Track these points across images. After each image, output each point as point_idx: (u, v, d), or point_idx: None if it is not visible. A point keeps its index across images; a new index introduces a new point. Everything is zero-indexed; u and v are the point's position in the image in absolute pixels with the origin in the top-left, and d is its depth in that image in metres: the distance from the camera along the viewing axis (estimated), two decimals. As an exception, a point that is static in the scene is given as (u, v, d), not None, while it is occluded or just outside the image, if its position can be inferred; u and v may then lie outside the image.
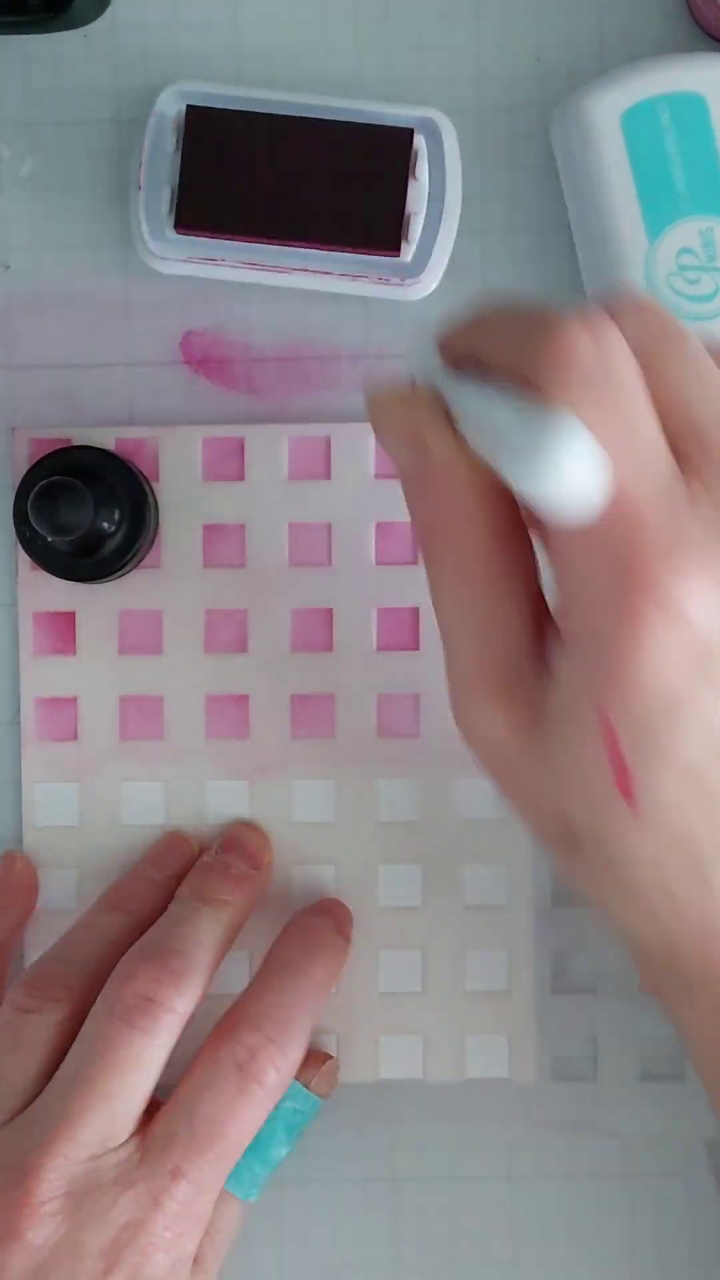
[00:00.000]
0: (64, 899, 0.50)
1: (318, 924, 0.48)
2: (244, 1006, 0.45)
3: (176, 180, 0.47)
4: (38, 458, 0.48)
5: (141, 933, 0.46)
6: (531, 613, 0.37)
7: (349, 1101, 0.49)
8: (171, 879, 0.48)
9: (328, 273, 0.48)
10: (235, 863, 0.47)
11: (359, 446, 0.49)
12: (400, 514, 0.49)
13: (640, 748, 0.34)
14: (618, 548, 0.33)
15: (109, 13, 0.49)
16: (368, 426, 0.49)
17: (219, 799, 0.50)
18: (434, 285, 0.48)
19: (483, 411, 0.34)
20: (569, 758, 0.36)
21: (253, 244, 0.47)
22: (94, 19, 0.48)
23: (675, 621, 0.33)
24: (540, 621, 0.37)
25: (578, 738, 0.35)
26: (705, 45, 0.49)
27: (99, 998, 0.44)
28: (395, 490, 0.49)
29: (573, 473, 0.32)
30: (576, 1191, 0.50)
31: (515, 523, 0.37)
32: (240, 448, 0.49)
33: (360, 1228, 0.50)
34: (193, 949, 0.44)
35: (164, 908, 0.47)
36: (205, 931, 0.45)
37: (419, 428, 0.36)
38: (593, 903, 0.39)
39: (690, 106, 0.46)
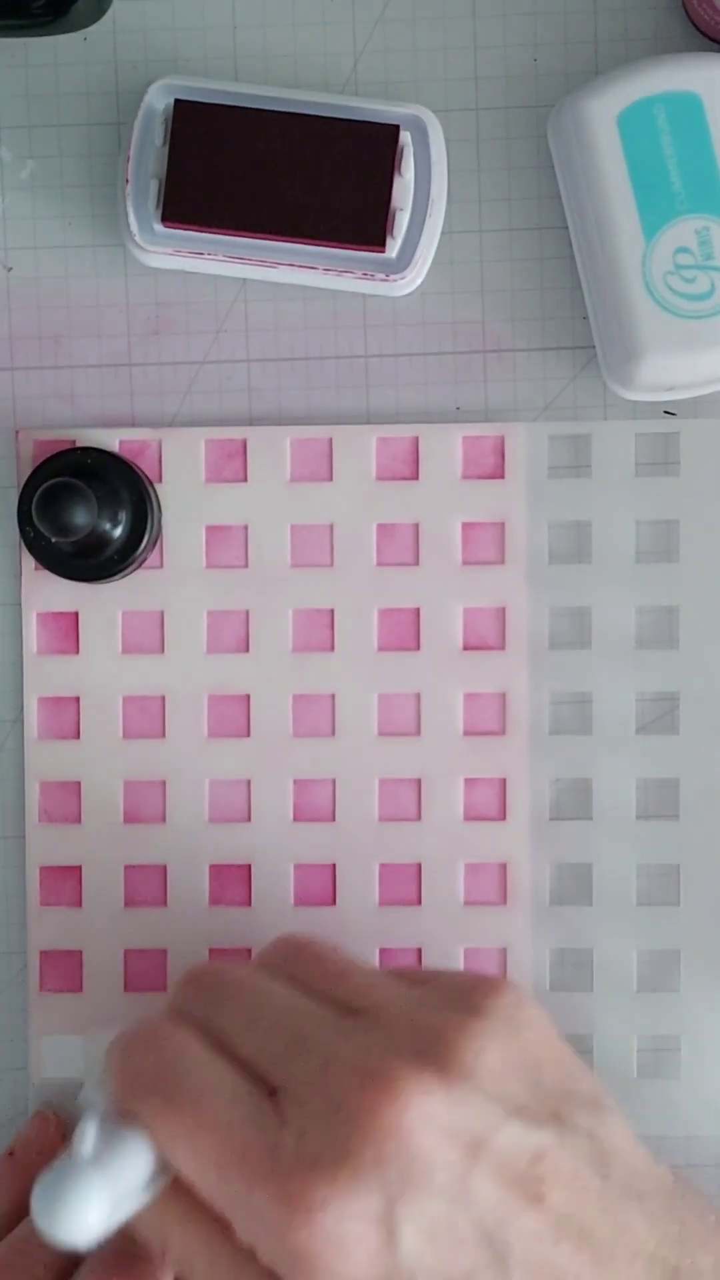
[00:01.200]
0: (69, 897, 0.50)
1: None
2: None
3: (164, 174, 0.47)
4: (41, 459, 0.49)
5: None
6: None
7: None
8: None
9: (313, 268, 0.48)
10: None
11: (361, 448, 0.49)
12: (401, 515, 0.50)
13: None
14: (250, 1200, 0.37)
15: (109, 15, 0.49)
16: (369, 429, 0.49)
17: (219, 798, 0.50)
18: (419, 281, 0.48)
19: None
20: None
21: (239, 238, 0.47)
22: (94, 22, 0.48)
23: (333, 1237, 0.36)
24: None
25: None
26: (701, 45, 0.49)
27: None
28: (396, 492, 0.49)
29: (69, 1221, 0.38)
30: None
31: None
32: (242, 449, 0.50)
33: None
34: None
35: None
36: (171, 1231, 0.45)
37: None
38: None
39: (686, 106, 0.46)
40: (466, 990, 0.41)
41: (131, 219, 0.48)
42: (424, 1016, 0.40)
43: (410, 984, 0.42)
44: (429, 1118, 0.37)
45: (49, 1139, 0.49)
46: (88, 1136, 0.38)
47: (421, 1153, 0.37)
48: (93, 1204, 0.38)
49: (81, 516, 0.45)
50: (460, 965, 0.50)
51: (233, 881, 0.50)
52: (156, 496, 0.49)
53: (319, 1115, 0.38)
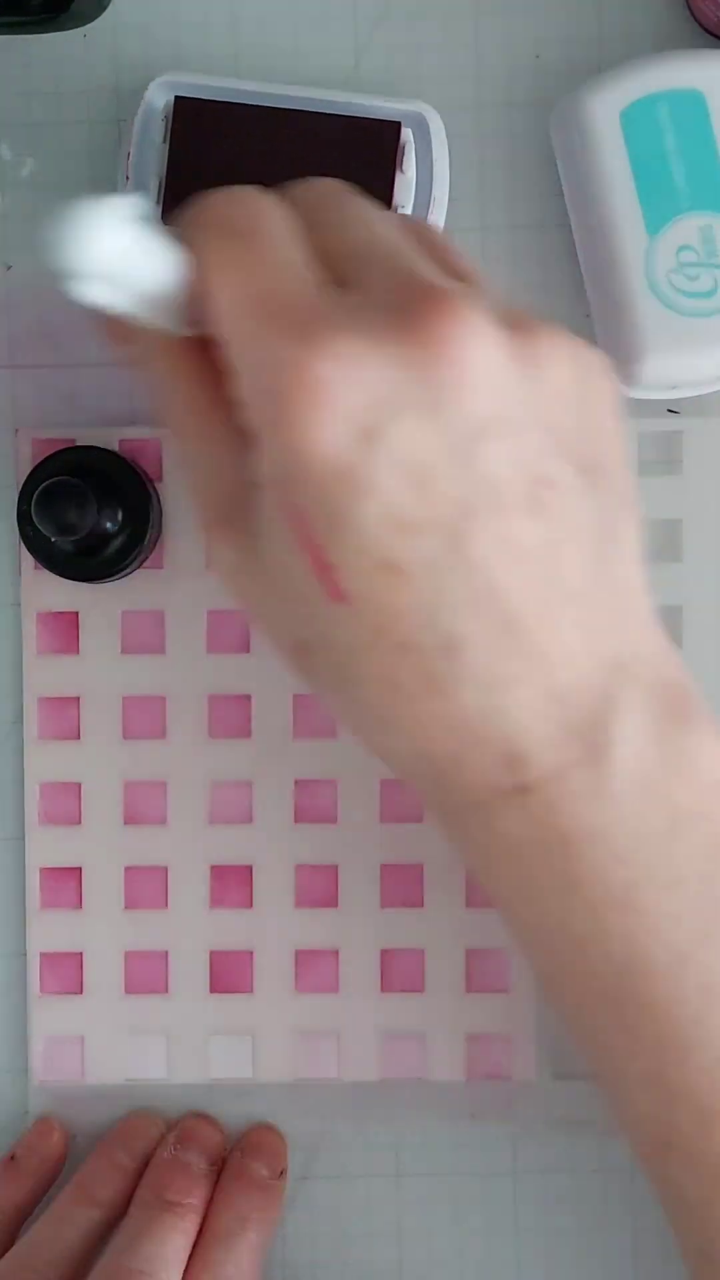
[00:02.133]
0: (69, 899, 0.50)
1: (250, 1172, 0.48)
2: None
3: (164, 172, 0.47)
4: (41, 458, 0.48)
5: (111, 1226, 0.46)
6: (244, 444, 0.38)
7: (351, 1099, 0.50)
8: (139, 1164, 0.48)
9: (314, 265, 0.48)
10: (195, 1160, 0.47)
11: (360, 446, 0.49)
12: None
13: (330, 534, 0.35)
14: (263, 332, 0.35)
15: (109, 13, 0.49)
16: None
17: (220, 799, 0.50)
18: (422, 279, 0.48)
19: None
20: (280, 567, 0.37)
21: (241, 236, 0.47)
22: (94, 19, 0.48)
23: (325, 399, 0.34)
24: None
25: (282, 544, 0.36)
26: (704, 42, 0.49)
27: None
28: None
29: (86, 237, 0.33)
30: (579, 1187, 0.50)
31: (210, 372, 0.38)
32: (242, 448, 0.49)
33: (363, 1224, 0.50)
34: (159, 1269, 0.44)
35: (131, 1197, 0.47)
36: (168, 1243, 0.45)
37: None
38: (351, 731, 0.39)
39: (690, 103, 0.46)
40: (562, 329, 0.38)
41: (131, 216, 0.47)
42: (520, 311, 0.37)
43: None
44: (482, 365, 0.35)
45: (52, 1146, 0.49)
46: (129, 199, 0.35)
47: (456, 384, 0.34)
48: (109, 230, 0.34)
49: (81, 516, 0.44)
50: (463, 969, 0.49)
51: (234, 883, 0.50)
52: (157, 495, 0.49)
53: (377, 305, 0.35)
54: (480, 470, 0.35)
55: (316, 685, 0.39)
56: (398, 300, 0.35)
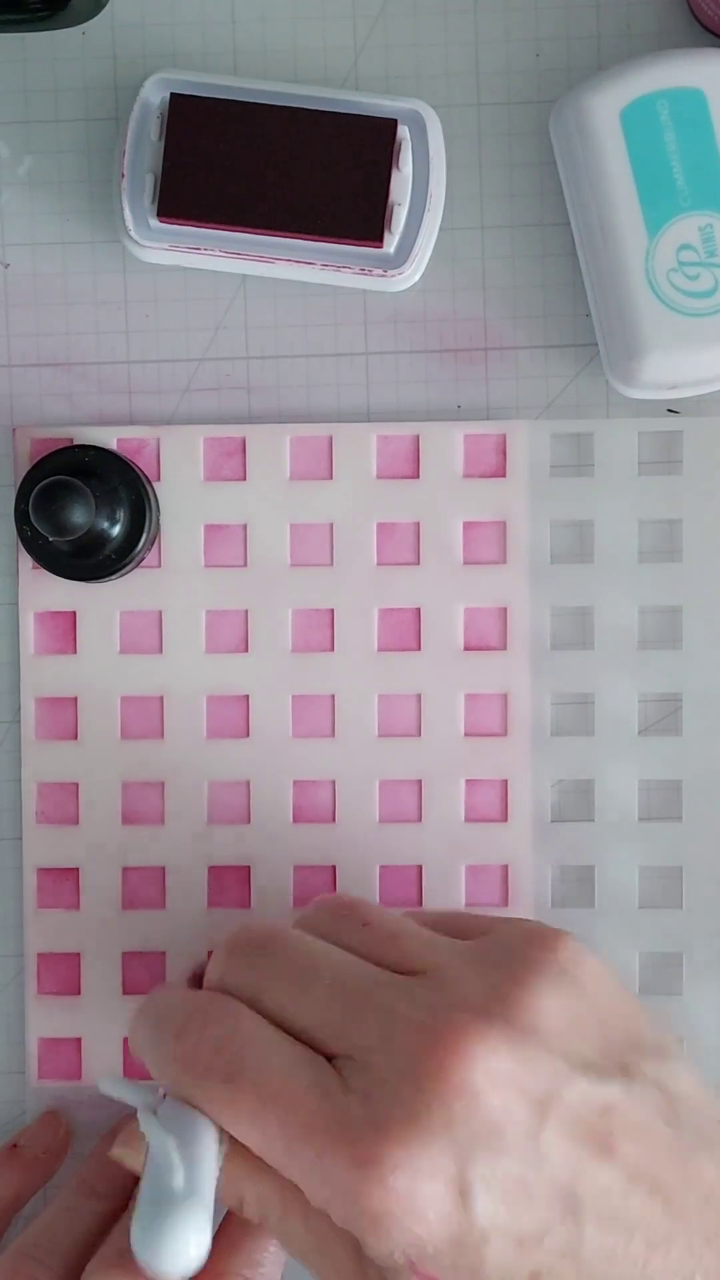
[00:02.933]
0: (66, 899, 0.50)
1: None
2: (214, 1265, 0.45)
3: (160, 169, 0.47)
4: (39, 457, 0.48)
5: (114, 1217, 0.46)
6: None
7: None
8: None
9: (311, 263, 0.48)
10: None
11: (361, 446, 0.49)
12: (402, 514, 0.49)
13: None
14: (319, 1168, 0.37)
15: (107, 10, 0.49)
16: (370, 426, 0.49)
17: (218, 799, 0.50)
18: (417, 277, 0.48)
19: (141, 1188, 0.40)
20: None
21: (235, 233, 0.47)
22: (92, 17, 0.48)
23: (406, 1198, 0.36)
24: None
25: None
26: (704, 41, 0.48)
27: None
28: (397, 491, 0.49)
29: (173, 1254, 0.38)
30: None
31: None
32: (241, 447, 0.49)
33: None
34: None
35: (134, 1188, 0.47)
36: None
37: None
38: None
39: (690, 102, 0.46)
40: (524, 944, 0.41)
41: (127, 214, 0.47)
42: (485, 973, 0.40)
43: (466, 935, 0.42)
44: (497, 1076, 0.37)
45: (56, 1140, 0.49)
46: (174, 1164, 0.38)
47: (491, 1112, 0.37)
48: (194, 1236, 0.38)
49: (79, 515, 0.44)
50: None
51: (232, 883, 0.50)
52: (155, 495, 0.49)
53: (385, 1079, 0.37)
54: (555, 1155, 0.37)
55: None
56: (399, 1062, 0.37)
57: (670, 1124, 0.39)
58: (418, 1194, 0.36)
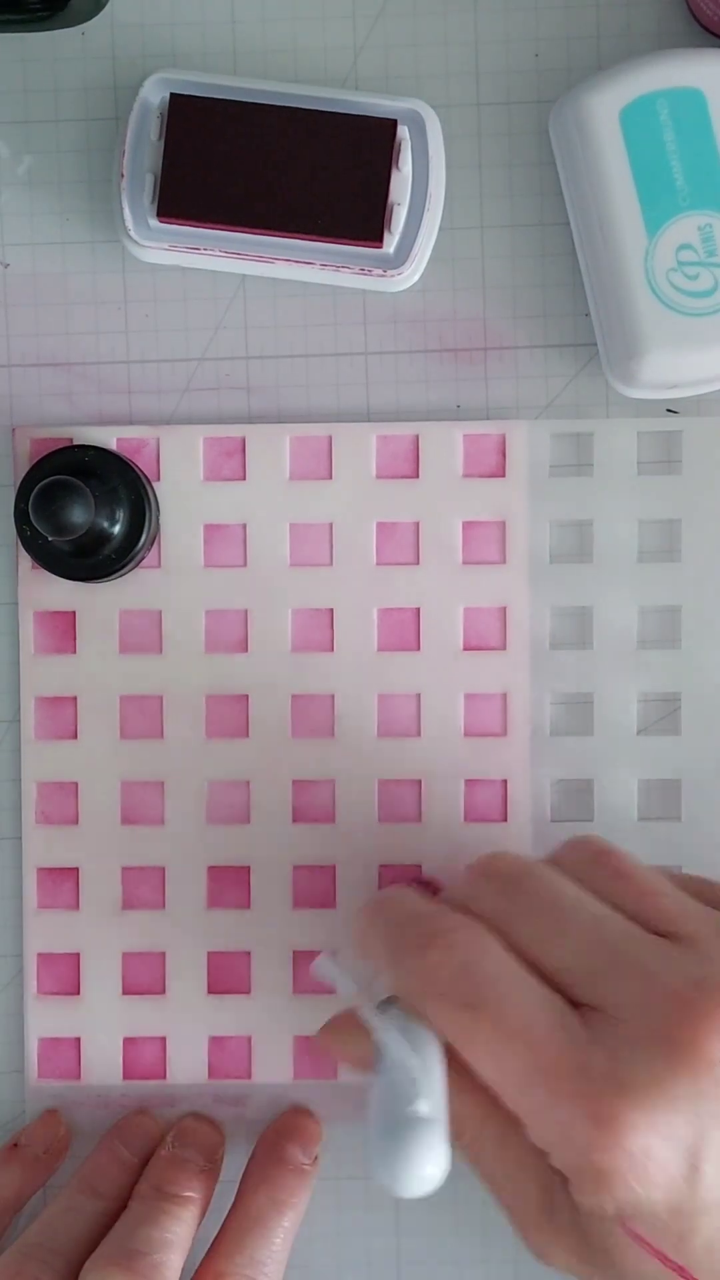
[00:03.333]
0: (66, 899, 0.50)
1: (283, 1155, 0.48)
2: (217, 1265, 0.46)
3: (159, 169, 0.47)
4: (39, 457, 0.48)
5: (115, 1217, 0.46)
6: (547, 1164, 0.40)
7: (350, 1099, 0.49)
8: (140, 1159, 0.48)
9: (310, 263, 0.48)
10: (193, 1157, 0.48)
11: (361, 446, 0.49)
12: (402, 514, 0.49)
13: (677, 1247, 0.38)
14: (553, 1111, 0.37)
15: (106, 11, 0.49)
16: (369, 426, 0.49)
17: (218, 799, 0.50)
18: (416, 277, 0.48)
19: (373, 1089, 0.39)
20: (626, 1266, 0.39)
21: (235, 233, 0.47)
22: (91, 17, 0.48)
23: (639, 1160, 0.37)
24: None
25: (622, 1250, 0.39)
26: (704, 41, 0.48)
27: None
28: (397, 491, 0.49)
29: (414, 1177, 0.38)
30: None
31: (491, 1100, 0.40)
32: (241, 447, 0.49)
33: (363, 1224, 0.50)
34: (159, 1250, 0.44)
35: (134, 1188, 0.47)
36: (170, 1230, 0.45)
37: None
38: None
39: (689, 102, 0.46)
40: None
41: (126, 214, 0.47)
42: None
43: (716, 905, 0.41)
44: None
45: (56, 1139, 0.49)
46: (417, 1083, 0.38)
47: None
48: (434, 1156, 0.38)
49: (78, 515, 0.44)
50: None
51: (232, 883, 0.50)
52: (154, 495, 0.49)
53: (635, 1038, 0.37)
54: None
55: None
56: (653, 1026, 0.37)
57: None
58: (651, 1158, 0.37)
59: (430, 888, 0.45)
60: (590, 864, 0.42)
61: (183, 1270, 0.45)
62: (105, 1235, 0.45)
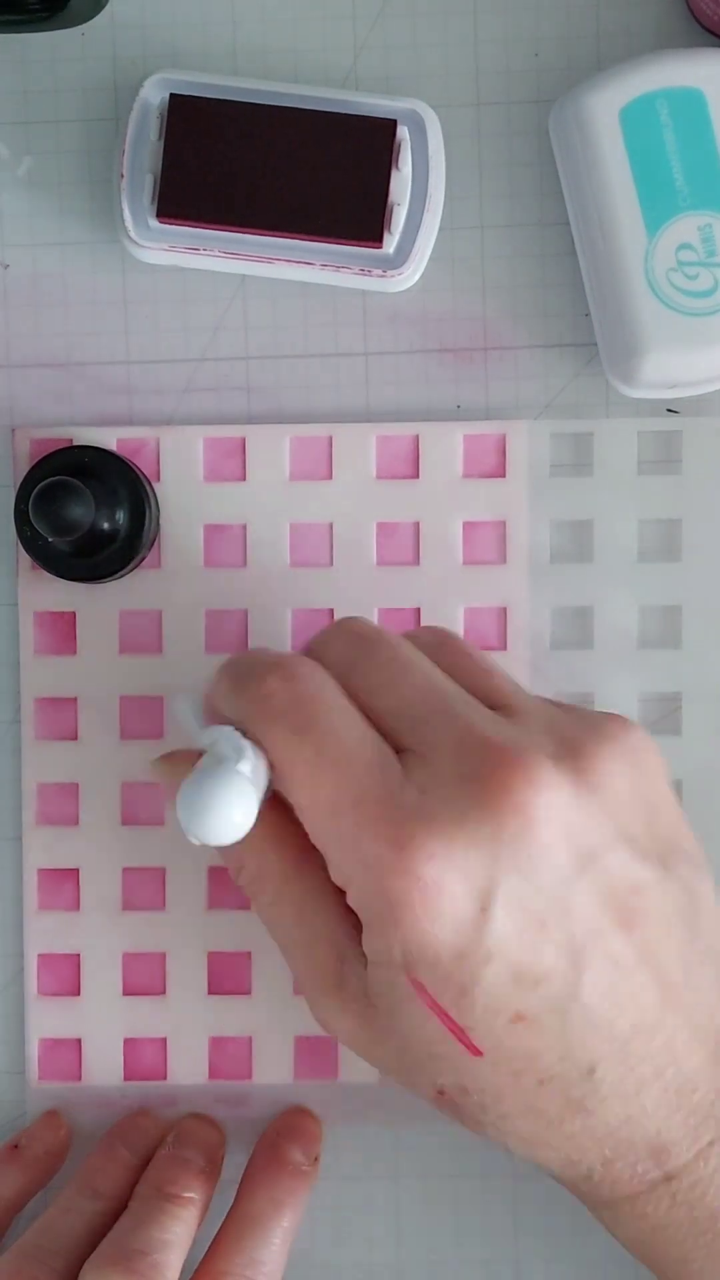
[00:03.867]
0: (66, 900, 0.50)
1: (283, 1156, 0.48)
2: (216, 1265, 0.46)
3: (159, 169, 0.47)
4: (38, 457, 0.48)
5: (115, 1218, 0.46)
6: (343, 918, 0.41)
7: (350, 1099, 0.49)
8: (141, 1159, 0.48)
9: (310, 263, 0.48)
10: (194, 1157, 0.48)
11: (360, 447, 0.49)
12: (402, 514, 0.49)
13: (459, 1003, 0.38)
14: (357, 839, 0.38)
15: (106, 11, 0.49)
16: (369, 427, 0.49)
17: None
18: (416, 277, 0.48)
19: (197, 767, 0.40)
20: (407, 1029, 0.40)
21: (235, 234, 0.47)
22: (91, 17, 0.48)
23: (434, 897, 0.37)
24: (353, 921, 0.41)
25: (405, 1009, 0.39)
26: (704, 40, 0.48)
27: None
28: (397, 491, 0.49)
29: (223, 820, 0.38)
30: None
31: (306, 845, 0.40)
32: (241, 447, 0.49)
33: (363, 1225, 0.50)
34: (158, 1250, 0.44)
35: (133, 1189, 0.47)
36: (170, 1230, 0.45)
37: None
38: (499, 1148, 0.42)
39: (689, 101, 0.46)
40: (603, 720, 0.41)
41: (126, 214, 0.47)
42: (564, 729, 0.40)
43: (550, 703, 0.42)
44: (555, 812, 0.38)
45: (57, 1140, 0.49)
46: (226, 740, 0.39)
47: (538, 843, 0.38)
48: (239, 802, 0.38)
49: (79, 515, 0.44)
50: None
51: (232, 884, 0.50)
52: (154, 495, 0.49)
53: (447, 778, 0.38)
54: (580, 909, 0.38)
55: (458, 1121, 0.42)
56: (466, 768, 0.38)
57: (689, 927, 0.40)
58: (444, 889, 0.37)
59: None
60: (440, 645, 0.43)
61: (182, 1270, 0.45)
62: (105, 1235, 0.45)
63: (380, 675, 0.41)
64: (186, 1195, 0.46)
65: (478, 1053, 0.39)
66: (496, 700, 0.41)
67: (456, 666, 0.42)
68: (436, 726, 0.39)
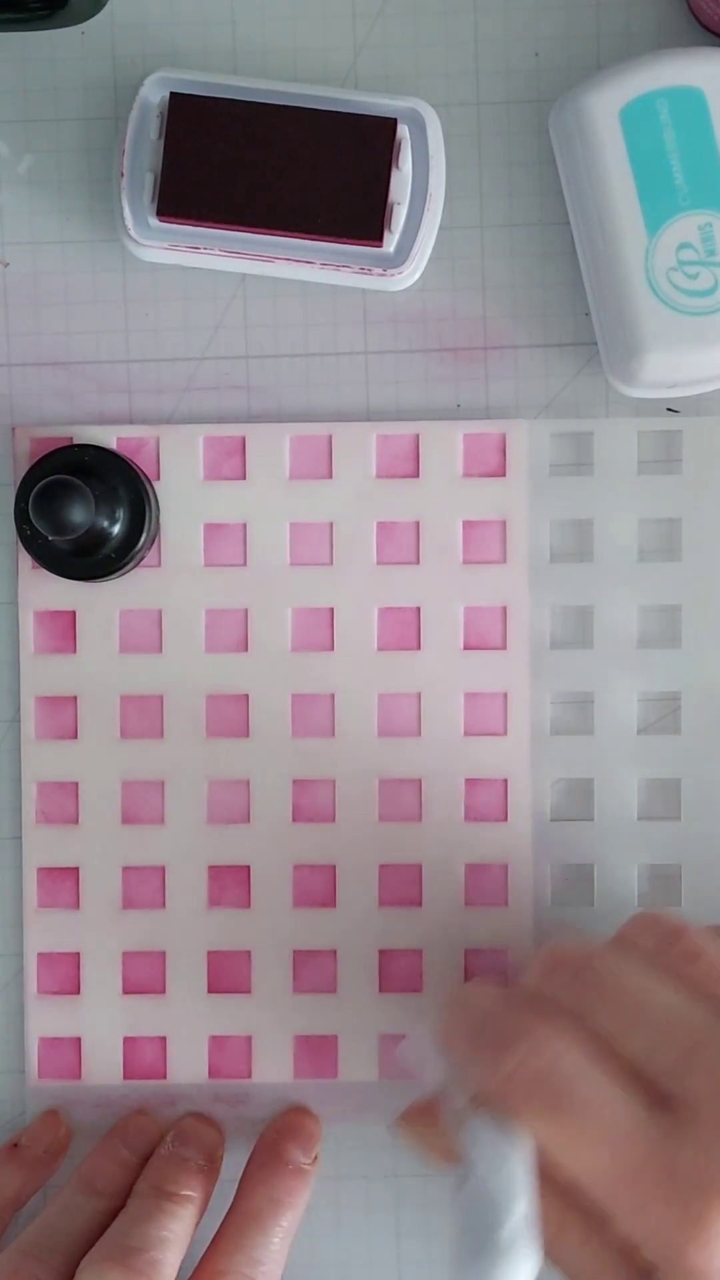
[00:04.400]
0: (66, 899, 0.50)
1: (283, 1155, 0.48)
2: (215, 1264, 0.46)
3: (159, 168, 0.47)
4: (38, 456, 0.48)
5: (114, 1216, 0.46)
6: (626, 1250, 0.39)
7: (350, 1098, 0.49)
8: (140, 1159, 0.48)
9: (310, 262, 0.48)
10: (193, 1156, 0.48)
11: (361, 446, 0.49)
12: (402, 514, 0.49)
13: None
14: (644, 1210, 0.37)
15: (106, 10, 0.49)
16: (369, 426, 0.49)
17: (218, 798, 0.50)
18: (416, 276, 0.48)
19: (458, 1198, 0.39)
20: None
21: (235, 232, 0.47)
22: (91, 16, 0.48)
23: None
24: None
25: None
26: (704, 40, 0.48)
27: None
28: (397, 490, 0.49)
29: None
30: (579, 1188, 0.50)
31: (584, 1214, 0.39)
32: (241, 446, 0.49)
33: (363, 1224, 0.50)
34: (156, 1247, 0.44)
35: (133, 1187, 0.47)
36: (167, 1228, 0.45)
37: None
38: None
39: (689, 101, 0.46)
40: None
41: (126, 213, 0.47)
42: None
43: None
44: None
45: (57, 1139, 0.49)
46: (501, 1209, 0.38)
47: None
48: (524, 1264, 0.38)
49: (78, 514, 0.44)
50: (461, 968, 0.49)
51: (232, 883, 0.50)
52: (154, 494, 0.49)
53: (718, 1132, 0.37)
54: None
55: None
56: None
57: None
58: None
59: (499, 977, 0.45)
60: (659, 944, 0.42)
61: (180, 1270, 0.45)
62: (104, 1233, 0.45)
63: (617, 1017, 0.39)
64: (185, 1194, 0.46)
65: None
66: None
67: (687, 974, 0.41)
68: (693, 1073, 0.38)
